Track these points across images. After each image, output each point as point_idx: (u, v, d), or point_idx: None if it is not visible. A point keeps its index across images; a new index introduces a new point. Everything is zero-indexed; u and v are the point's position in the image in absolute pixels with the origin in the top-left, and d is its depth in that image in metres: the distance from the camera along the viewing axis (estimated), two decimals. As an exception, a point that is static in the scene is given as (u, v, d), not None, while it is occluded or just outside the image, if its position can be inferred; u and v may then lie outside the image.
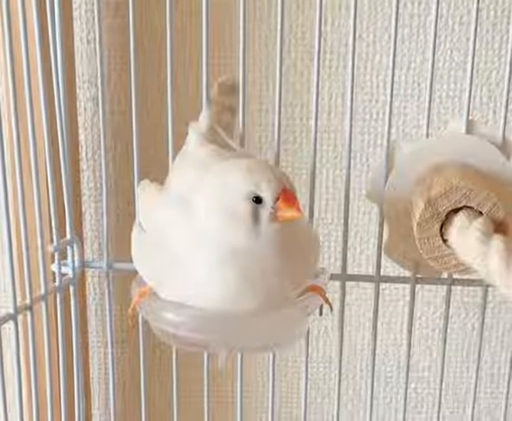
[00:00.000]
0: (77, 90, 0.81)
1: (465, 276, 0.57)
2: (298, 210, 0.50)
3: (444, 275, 0.64)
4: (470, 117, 0.61)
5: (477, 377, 0.68)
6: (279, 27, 0.61)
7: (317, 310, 0.60)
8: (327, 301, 0.59)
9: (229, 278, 0.51)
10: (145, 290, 0.57)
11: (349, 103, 0.62)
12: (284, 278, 0.53)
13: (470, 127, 0.61)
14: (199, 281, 0.52)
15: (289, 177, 0.52)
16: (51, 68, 0.64)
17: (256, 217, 0.50)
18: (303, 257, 0.55)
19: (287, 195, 0.50)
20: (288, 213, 0.50)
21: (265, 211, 0.50)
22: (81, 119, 0.82)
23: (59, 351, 0.69)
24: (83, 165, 0.84)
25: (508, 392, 0.69)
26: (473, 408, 0.69)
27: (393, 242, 0.63)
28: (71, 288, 0.69)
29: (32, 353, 0.64)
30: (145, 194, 0.61)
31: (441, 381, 0.69)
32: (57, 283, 0.67)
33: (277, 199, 0.50)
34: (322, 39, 0.62)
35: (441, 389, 0.69)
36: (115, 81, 0.80)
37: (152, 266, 0.56)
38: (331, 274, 0.63)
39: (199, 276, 0.52)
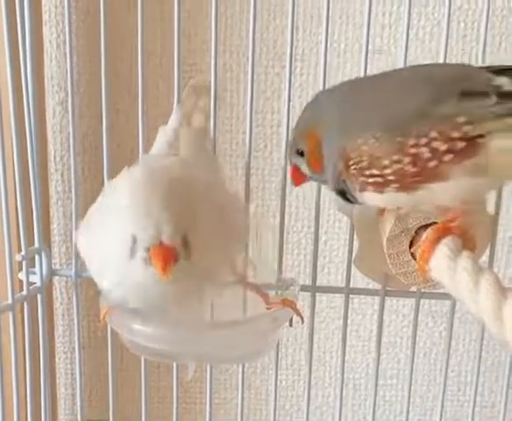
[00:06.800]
0: (46, 94, 0.80)
1: (434, 290, 0.58)
2: (164, 270, 0.48)
3: (413, 289, 0.65)
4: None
5: (444, 385, 0.69)
6: (250, 35, 0.61)
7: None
8: (299, 314, 0.59)
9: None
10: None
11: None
12: (205, 275, 0.52)
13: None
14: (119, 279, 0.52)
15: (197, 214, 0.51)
16: (20, 72, 0.63)
17: (132, 251, 0.49)
18: (225, 241, 0.54)
19: (157, 251, 0.48)
20: (156, 267, 0.48)
21: (139, 252, 0.49)
22: (49, 123, 0.81)
23: (25, 358, 0.68)
24: (52, 168, 0.83)
25: (474, 400, 0.70)
26: (441, 415, 0.70)
27: (363, 255, 0.63)
28: (39, 297, 0.68)
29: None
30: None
31: (409, 388, 0.69)
32: (25, 292, 0.66)
33: (148, 249, 0.49)
34: (293, 48, 0.62)
35: (409, 397, 0.70)
36: (84, 85, 0.80)
37: (93, 266, 0.56)
38: (302, 286, 0.64)
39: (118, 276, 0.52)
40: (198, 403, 0.89)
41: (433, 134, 0.48)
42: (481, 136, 0.48)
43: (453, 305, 0.67)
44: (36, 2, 0.72)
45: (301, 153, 0.55)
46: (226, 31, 0.79)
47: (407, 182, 0.49)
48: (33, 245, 0.67)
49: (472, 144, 0.48)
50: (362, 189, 0.51)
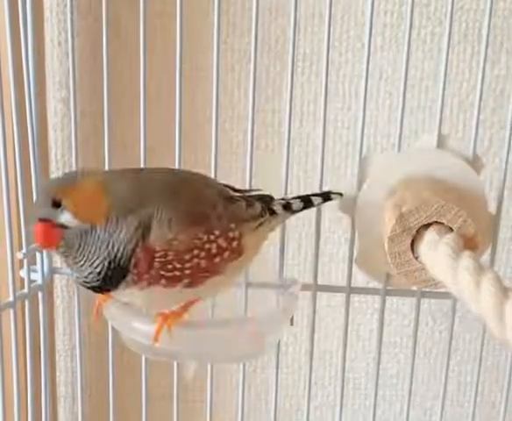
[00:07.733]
0: (47, 92, 0.80)
1: (435, 290, 0.58)
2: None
3: (414, 288, 0.65)
4: (442, 132, 0.62)
5: (444, 385, 0.69)
6: (252, 34, 0.61)
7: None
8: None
9: None
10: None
11: (322, 111, 0.62)
12: None
13: (441, 141, 0.62)
14: None
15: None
16: (22, 70, 0.63)
17: None
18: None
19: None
20: None
21: None
22: (51, 121, 0.81)
23: (26, 356, 0.68)
24: (53, 167, 0.83)
25: (475, 400, 0.70)
26: (441, 415, 0.70)
27: (364, 254, 0.63)
28: (40, 295, 0.68)
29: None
30: None
31: (410, 388, 0.69)
32: (26, 290, 0.66)
33: None
34: (295, 47, 0.62)
35: (409, 396, 0.70)
36: (86, 83, 0.80)
37: None
38: (302, 285, 0.64)
39: None
40: (198, 402, 0.89)
41: (217, 232, 0.53)
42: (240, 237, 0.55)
43: (454, 305, 0.67)
44: None
45: (57, 205, 0.50)
46: (228, 30, 0.79)
47: (198, 277, 0.52)
48: (34, 242, 0.67)
49: (239, 243, 0.54)
50: (151, 283, 0.51)
